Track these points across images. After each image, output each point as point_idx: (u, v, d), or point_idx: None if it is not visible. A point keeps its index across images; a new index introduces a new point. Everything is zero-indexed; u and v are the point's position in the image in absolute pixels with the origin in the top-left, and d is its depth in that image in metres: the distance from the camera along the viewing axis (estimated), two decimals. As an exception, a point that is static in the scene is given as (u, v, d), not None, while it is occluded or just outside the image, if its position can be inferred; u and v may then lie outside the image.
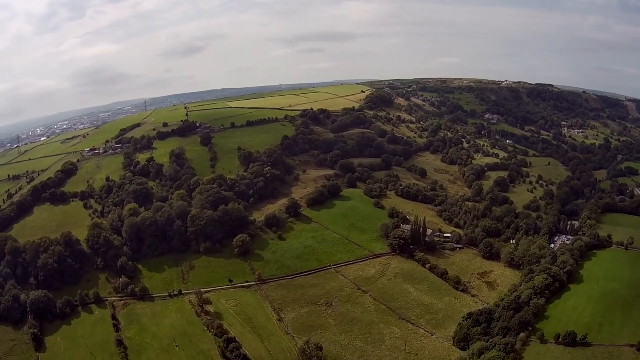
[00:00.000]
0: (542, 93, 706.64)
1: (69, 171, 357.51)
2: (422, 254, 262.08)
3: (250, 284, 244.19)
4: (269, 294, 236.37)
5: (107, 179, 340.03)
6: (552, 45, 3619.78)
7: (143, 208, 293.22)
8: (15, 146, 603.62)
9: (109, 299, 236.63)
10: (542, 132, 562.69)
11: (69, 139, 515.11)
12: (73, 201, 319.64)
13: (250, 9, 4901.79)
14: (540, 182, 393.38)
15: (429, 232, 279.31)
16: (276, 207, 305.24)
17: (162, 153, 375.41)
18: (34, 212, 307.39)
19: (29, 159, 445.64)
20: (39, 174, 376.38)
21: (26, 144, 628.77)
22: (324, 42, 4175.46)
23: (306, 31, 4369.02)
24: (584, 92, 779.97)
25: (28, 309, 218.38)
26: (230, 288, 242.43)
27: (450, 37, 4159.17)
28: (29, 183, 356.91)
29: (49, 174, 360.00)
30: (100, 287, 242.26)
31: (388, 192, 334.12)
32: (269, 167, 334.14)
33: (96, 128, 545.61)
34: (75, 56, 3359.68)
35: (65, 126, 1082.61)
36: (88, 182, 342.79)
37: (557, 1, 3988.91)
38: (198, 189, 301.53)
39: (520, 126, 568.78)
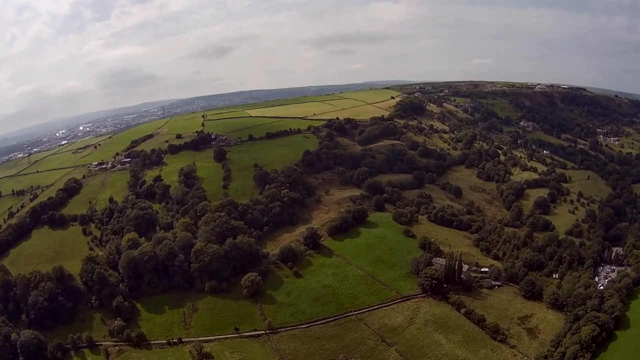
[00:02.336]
0: (576, 98, 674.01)
1: (71, 189, 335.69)
2: (457, 295, 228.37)
3: (259, 332, 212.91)
4: (279, 346, 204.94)
5: (110, 200, 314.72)
6: (581, 47, 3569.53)
7: (143, 238, 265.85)
8: (26, 155, 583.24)
9: (103, 343, 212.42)
10: (578, 140, 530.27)
11: (81, 149, 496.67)
12: (72, 225, 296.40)
13: (281, 10, 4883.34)
14: (581, 199, 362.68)
15: (465, 267, 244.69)
16: (293, 236, 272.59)
17: (171, 170, 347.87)
18: (32, 235, 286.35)
19: (37, 171, 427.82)
20: (42, 190, 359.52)
21: (39, 152, 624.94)
22: (355, 43, 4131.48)
23: (337, 32, 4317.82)
24: (616, 96, 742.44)
25: (18, 350, 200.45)
26: (236, 337, 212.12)
27: (481, 39, 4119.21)
28: (31, 200, 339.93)
29: (52, 192, 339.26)
30: (95, 329, 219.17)
31: (420, 217, 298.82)
32: (286, 190, 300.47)
33: (109, 137, 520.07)
34: (101, 57, 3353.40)
35: (88, 129, 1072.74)
36: (90, 202, 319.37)
37: (585, 2, 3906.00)
38: (204, 218, 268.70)
39: (556, 134, 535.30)
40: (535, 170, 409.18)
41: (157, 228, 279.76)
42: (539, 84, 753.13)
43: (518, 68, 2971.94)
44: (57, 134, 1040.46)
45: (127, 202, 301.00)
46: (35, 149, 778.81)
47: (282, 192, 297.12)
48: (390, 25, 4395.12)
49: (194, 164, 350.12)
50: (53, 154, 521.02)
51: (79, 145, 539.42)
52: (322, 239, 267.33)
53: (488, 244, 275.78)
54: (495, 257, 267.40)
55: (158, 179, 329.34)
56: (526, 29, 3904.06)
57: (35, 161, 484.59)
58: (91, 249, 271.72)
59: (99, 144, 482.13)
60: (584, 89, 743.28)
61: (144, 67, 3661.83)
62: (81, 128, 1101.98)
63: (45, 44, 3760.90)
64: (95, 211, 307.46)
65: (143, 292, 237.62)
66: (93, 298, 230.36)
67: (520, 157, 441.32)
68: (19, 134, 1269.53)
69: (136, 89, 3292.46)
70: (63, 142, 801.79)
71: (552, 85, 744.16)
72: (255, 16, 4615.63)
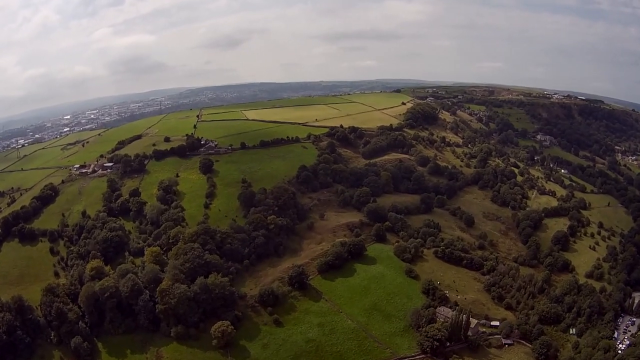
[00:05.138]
0: (594, 111, 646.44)
1: (46, 198, 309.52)
2: (461, 359, 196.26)
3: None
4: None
5: (83, 214, 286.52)
6: (594, 55, 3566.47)
7: (109, 266, 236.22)
8: (20, 145, 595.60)
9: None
10: (596, 158, 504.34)
11: (70, 144, 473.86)
12: (41, 241, 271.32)
13: (296, 4, 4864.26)
14: (602, 232, 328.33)
15: (473, 322, 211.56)
16: (277, 272, 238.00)
17: (153, 180, 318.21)
18: (2, 249, 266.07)
19: (22, 169, 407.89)
20: (21, 194, 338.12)
21: (33, 143, 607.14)
22: (367, 40, 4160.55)
23: (349, 29, 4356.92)
24: (633, 110, 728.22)
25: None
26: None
27: (494, 41, 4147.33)
28: (8, 205, 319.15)
29: (29, 197, 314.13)
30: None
31: (425, 251, 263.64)
32: (273, 216, 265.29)
33: (99, 135, 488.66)
34: (111, 44, 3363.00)
35: (92, 115, 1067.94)
36: (63, 215, 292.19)
37: (600, 11, 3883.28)
38: (174, 249, 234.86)
39: (574, 151, 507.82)
40: (553, 194, 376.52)
41: (127, 253, 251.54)
42: (555, 94, 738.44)
43: (529, 73, 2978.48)
44: (62, 120, 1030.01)
45: (98, 220, 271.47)
46: (37, 135, 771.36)
47: (269, 218, 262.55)
48: (403, 24, 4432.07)
49: (177, 175, 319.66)
50: (43, 149, 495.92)
51: (69, 140, 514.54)
52: (310, 277, 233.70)
53: (501, 289, 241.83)
54: (508, 307, 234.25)
55: (135, 192, 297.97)
56: (540, 34, 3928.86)
57: (24, 155, 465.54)
58: (56, 272, 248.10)
59: (87, 142, 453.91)
60: (601, 101, 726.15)
61: (155, 55, 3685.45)
62: (86, 114, 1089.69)
63: (57, 28, 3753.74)
64: (67, 226, 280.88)
65: (105, 330, 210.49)
66: (52, 334, 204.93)
67: (538, 177, 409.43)
68: (26, 116, 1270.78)
69: (147, 76, 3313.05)
70: (65, 129, 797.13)
71: (569, 96, 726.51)
72: (269, 8, 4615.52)
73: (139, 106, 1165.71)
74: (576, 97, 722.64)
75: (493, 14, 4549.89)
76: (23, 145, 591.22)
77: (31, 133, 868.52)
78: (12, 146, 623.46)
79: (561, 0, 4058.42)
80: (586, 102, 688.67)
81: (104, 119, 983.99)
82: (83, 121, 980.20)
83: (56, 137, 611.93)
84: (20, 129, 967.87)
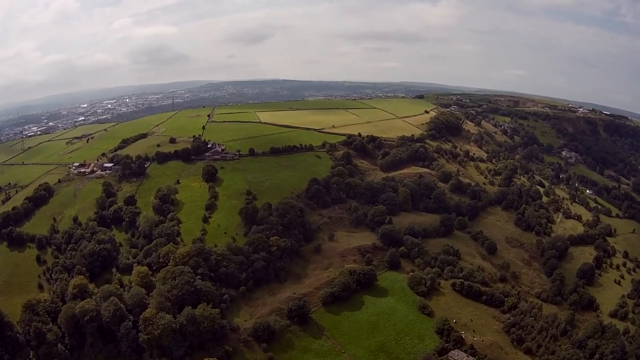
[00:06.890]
0: (619, 127, 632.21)
1: (39, 199, 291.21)
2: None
3: None
4: None
5: (75, 220, 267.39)
6: (616, 67, 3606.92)
7: (93, 284, 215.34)
8: (31, 132, 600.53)
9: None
10: (621, 178, 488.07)
11: (76, 138, 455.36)
12: (29, 247, 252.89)
13: (322, 2, 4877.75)
14: (627, 263, 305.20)
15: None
16: (277, 301, 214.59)
17: (152, 185, 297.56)
18: None
19: (22, 163, 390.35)
20: (17, 191, 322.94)
21: (45, 132, 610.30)
22: (391, 41, 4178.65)
23: (374, 29, 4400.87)
24: None
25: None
26: None
27: (517, 48, 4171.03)
28: (3, 203, 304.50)
29: (23, 196, 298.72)
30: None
31: (442, 282, 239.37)
32: (275, 237, 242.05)
33: (105, 130, 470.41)
34: (135, 33, 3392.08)
35: (110, 105, 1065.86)
36: (55, 219, 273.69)
37: (624, 24, 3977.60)
38: (162, 272, 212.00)
39: (599, 169, 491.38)
40: (579, 218, 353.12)
41: (114, 269, 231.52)
42: (581, 107, 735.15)
43: (551, 81, 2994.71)
44: (79, 108, 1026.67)
45: (87, 230, 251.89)
46: (51, 123, 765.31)
47: (271, 239, 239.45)
48: (427, 26, 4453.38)
49: (177, 182, 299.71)
50: (49, 141, 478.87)
51: (76, 133, 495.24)
52: (312, 310, 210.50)
53: (521, 330, 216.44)
54: (528, 351, 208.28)
55: (130, 200, 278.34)
56: (562, 43, 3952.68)
57: (29, 147, 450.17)
58: (40, 285, 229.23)
59: (92, 137, 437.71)
60: (625, 118, 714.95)
61: (177, 47, 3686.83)
62: (104, 103, 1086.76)
63: (78, 15, 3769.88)
64: (57, 232, 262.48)
65: (85, 354, 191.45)
66: (31, 353, 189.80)
67: (563, 198, 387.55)
68: (45, 102, 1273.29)
69: (168, 67, 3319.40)
70: (80, 118, 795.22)
71: (594, 110, 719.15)
72: (294, 5, 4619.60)
73: (157, 98, 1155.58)
74: (601, 112, 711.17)
75: (517, 20, 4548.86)
76: (35, 134, 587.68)
77: (45, 120, 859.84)
78: (23, 133, 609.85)
79: (586, 11, 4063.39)
80: (611, 118, 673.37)
81: (121, 110, 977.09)
82: (99, 110, 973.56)
83: (66, 128, 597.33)
84: (35, 115, 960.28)
